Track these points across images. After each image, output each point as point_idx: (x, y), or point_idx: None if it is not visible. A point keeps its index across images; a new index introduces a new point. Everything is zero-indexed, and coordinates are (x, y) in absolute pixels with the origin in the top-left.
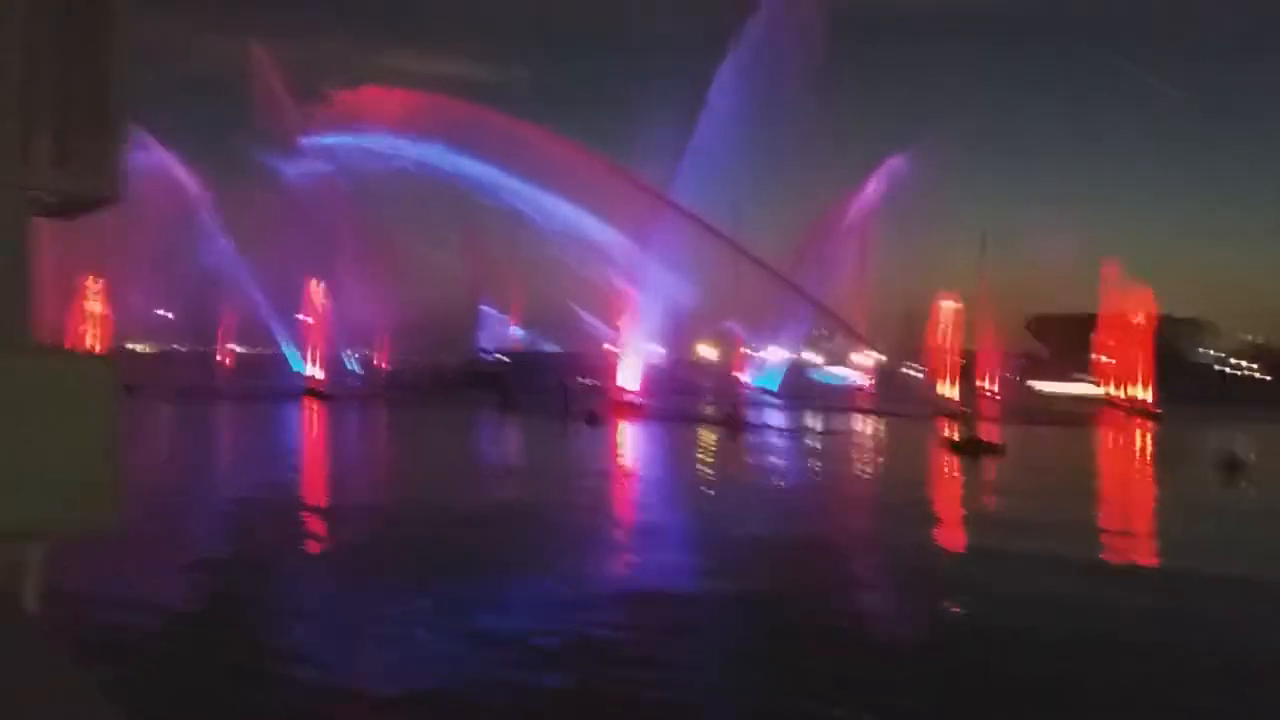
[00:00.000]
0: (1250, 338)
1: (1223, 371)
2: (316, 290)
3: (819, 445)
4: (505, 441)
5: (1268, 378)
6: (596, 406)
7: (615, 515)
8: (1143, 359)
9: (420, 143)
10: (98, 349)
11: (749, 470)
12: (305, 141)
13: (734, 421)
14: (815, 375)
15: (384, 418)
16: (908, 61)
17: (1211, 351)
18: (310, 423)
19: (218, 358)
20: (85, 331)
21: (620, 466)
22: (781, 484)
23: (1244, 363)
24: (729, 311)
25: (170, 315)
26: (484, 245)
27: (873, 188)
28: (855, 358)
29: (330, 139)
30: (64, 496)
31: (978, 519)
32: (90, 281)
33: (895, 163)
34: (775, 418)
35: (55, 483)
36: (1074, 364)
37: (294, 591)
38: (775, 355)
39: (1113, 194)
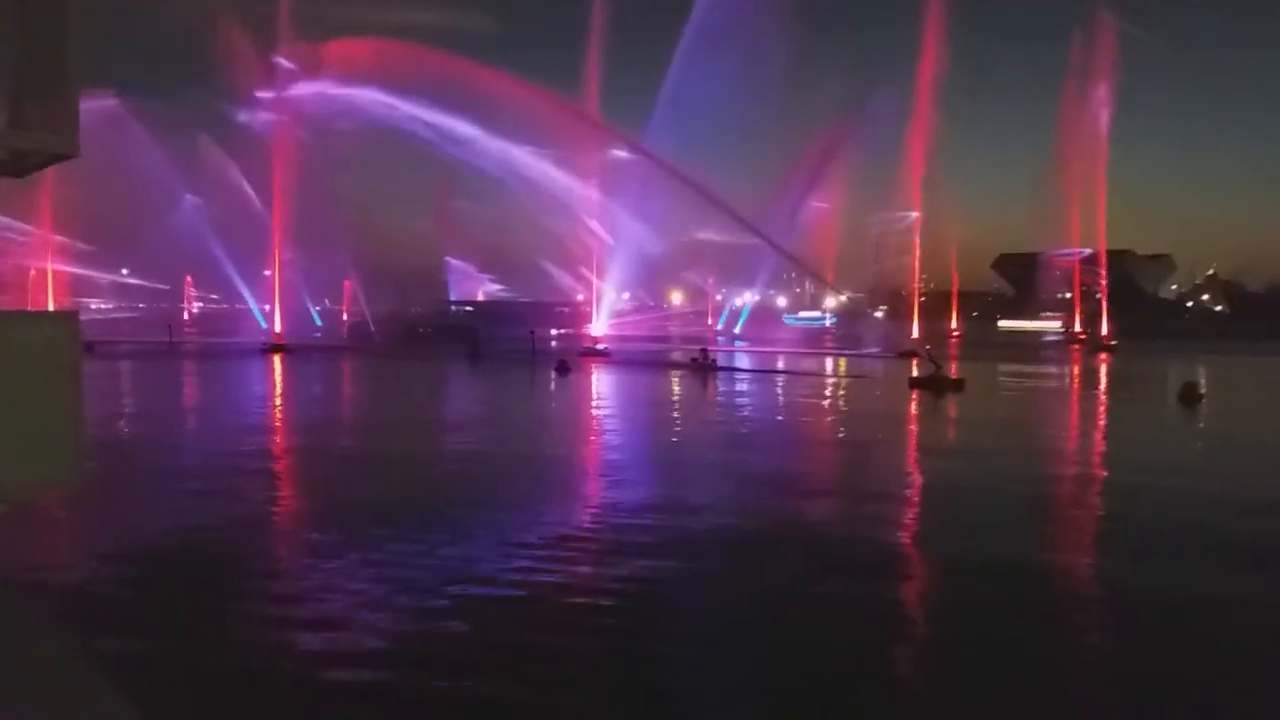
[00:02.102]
0: (1212, 271)
1: (1186, 305)
2: (279, 244)
3: (786, 385)
4: (472, 390)
5: (1229, 311)
6: (567, 355)
7: (579, 453)
8: (1101, 295)
9: (386, 94)
10: (55, 307)
11: (715, 408)
12: (267, 94)
13: (703, 365)
14: (785, 319)
15: (347, 370)
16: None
17: (1175, 286)
18: (269, 376)
19: (181, 314)
20: (44, 289)
21: (589, 408)
22: (746, 417)
23: (1206, 297)
24: (698, 258)
25: (125, 271)
26: (451, 198)
27: (840, 132)
28: (823, 300)
29: (295, 90)
30: (27, 456)
31: (928, 438)
32: (51, 238)
33: (863, 105)
34: (743, 360)
35: (18, 443)
36: (1039, 301)
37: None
38: (744, 300)
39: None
